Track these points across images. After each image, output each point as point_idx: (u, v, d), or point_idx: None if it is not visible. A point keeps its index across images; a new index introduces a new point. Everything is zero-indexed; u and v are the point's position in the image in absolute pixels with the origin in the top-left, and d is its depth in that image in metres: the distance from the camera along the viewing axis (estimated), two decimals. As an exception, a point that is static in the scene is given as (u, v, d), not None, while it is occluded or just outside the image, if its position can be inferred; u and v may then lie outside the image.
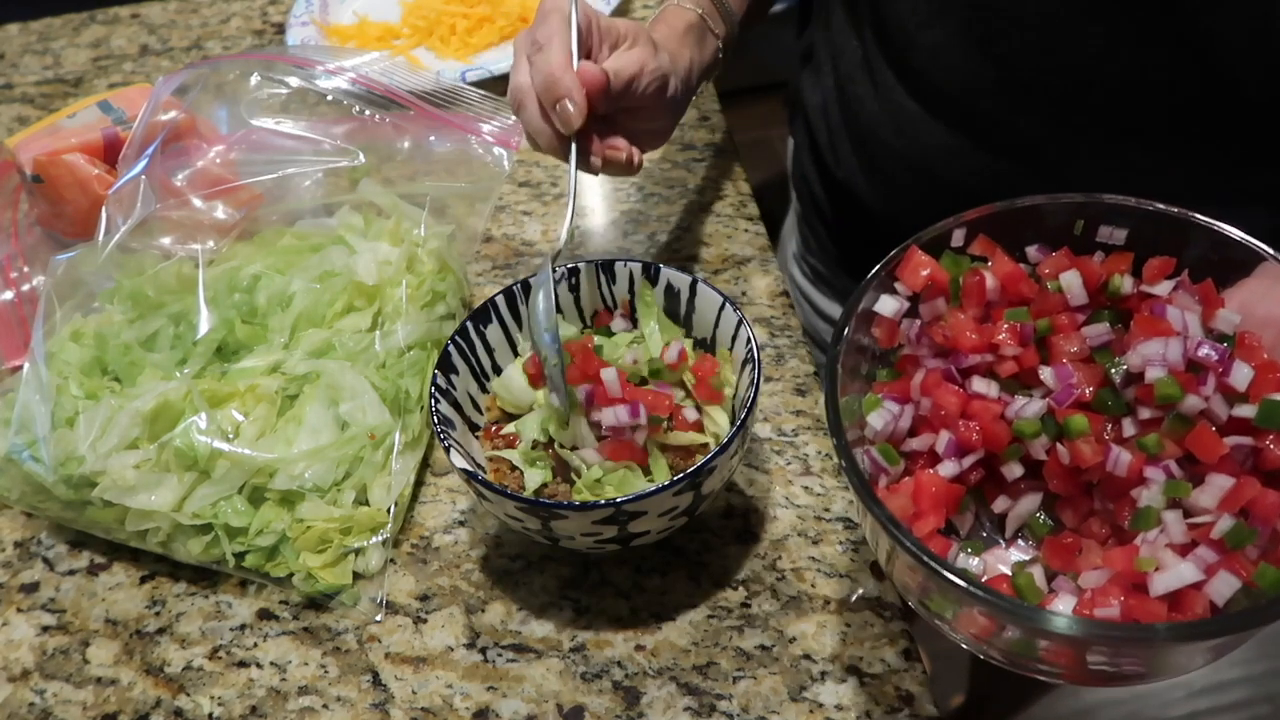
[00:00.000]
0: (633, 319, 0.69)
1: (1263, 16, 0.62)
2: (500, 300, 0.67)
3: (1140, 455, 0.48)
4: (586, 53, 0.65)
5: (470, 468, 0.58)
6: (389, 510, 0.65)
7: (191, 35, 1.21)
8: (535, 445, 0.62)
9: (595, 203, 0.92)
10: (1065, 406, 0.50)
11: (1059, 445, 0.50)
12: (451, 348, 0.64)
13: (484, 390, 0.67)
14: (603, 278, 0.68)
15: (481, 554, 0.67)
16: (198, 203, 0.77)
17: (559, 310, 0.67)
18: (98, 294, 0.74)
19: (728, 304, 0.64)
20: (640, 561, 0.65)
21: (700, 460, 0.57)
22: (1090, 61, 0.69)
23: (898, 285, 0.54)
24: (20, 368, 0.67)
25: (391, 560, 0.67)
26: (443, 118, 0.84)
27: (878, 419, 0.52)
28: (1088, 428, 0.49)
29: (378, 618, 0.64)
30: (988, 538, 0.54)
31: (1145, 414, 0.49)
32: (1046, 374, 0.52)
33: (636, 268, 0.67)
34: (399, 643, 0.63)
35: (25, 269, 0.82)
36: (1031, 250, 0.56)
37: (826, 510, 0.67)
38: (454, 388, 0.64)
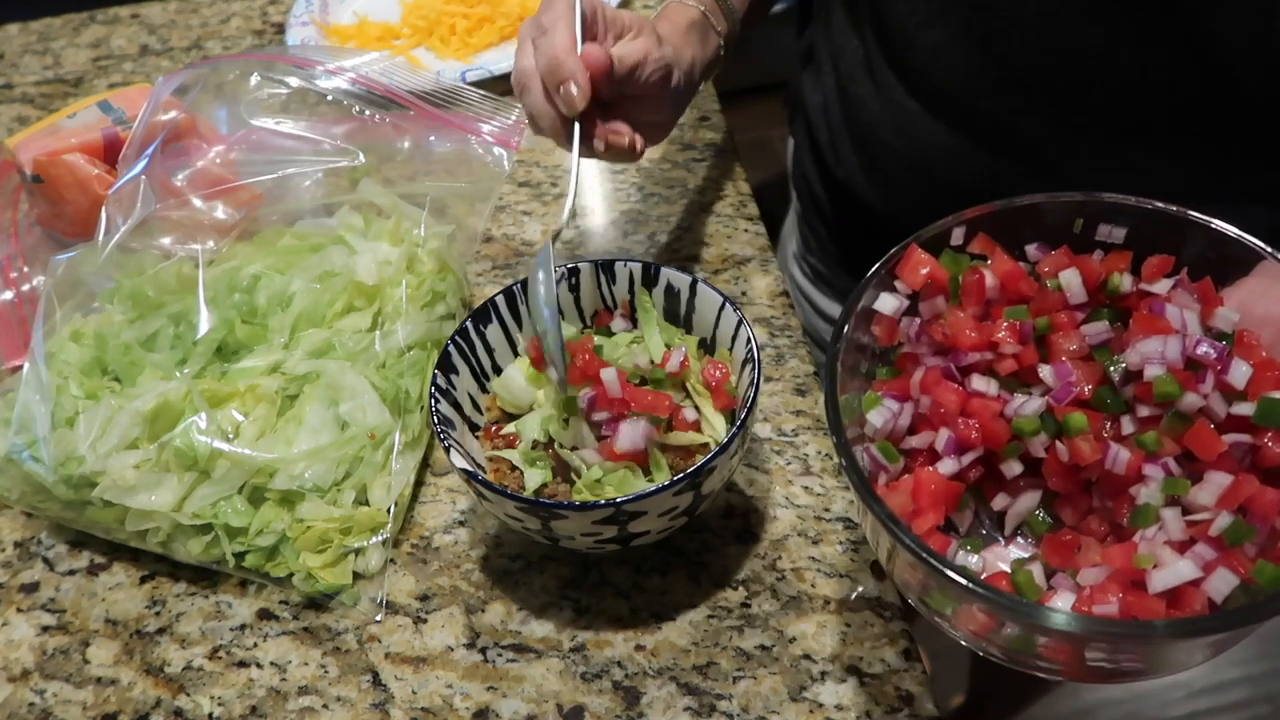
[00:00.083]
0: (633, 319, 0.69)
1: (1263, 16, 0.62)
2: (500, 300, 0.67)
3: (1139, 453, 0.48)
4: (591, 40, 0.65)
5: (470, 468, 0.58)
6: (389, 510, 0.65)
7: (191, 35, 1.21)
8: (535, 445, 0.63)
9: (595, 203, 0.92)
10: (1064, 404, 0.50)
11: (1058, 443, 0.50)
12: (451, 348, 0.64)
13: (484, 390, 0.67)
14: (603, 278, 0.68)
15: (481, 554, 0.67)
16: (198, 203, 0.77)
17: (559, 311, 0.67)
18: (98, 294, 0.74)
19: (728, 304, 0.64)
20: (640, 561, 0.65)
21: (700, 460, 0.57)
22: (1090, 61, 0.69)
23: (897, 283, 0.55)
24: (20, 368, 0.67)
25: (391, 560, 0.67)
26: (443, 118, 0.84)
27: (877, 417, 0.52)
28: (1087, 425, 0.49)
29: (378, 618, 0.64)
30: (987, 535, 0.54)
31: (1144, 412, 0.49)
32: (1046, 372, 0.52)
33: (636, 268, 0.67)
34: (399, 643, 0.63)
35: (25, 269, 0.82)
36: (1031, 249, 0.56)
37: (826, 510, 0.67)
38: (454, 388, 0.64)
